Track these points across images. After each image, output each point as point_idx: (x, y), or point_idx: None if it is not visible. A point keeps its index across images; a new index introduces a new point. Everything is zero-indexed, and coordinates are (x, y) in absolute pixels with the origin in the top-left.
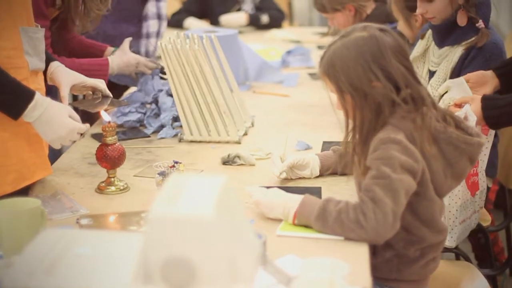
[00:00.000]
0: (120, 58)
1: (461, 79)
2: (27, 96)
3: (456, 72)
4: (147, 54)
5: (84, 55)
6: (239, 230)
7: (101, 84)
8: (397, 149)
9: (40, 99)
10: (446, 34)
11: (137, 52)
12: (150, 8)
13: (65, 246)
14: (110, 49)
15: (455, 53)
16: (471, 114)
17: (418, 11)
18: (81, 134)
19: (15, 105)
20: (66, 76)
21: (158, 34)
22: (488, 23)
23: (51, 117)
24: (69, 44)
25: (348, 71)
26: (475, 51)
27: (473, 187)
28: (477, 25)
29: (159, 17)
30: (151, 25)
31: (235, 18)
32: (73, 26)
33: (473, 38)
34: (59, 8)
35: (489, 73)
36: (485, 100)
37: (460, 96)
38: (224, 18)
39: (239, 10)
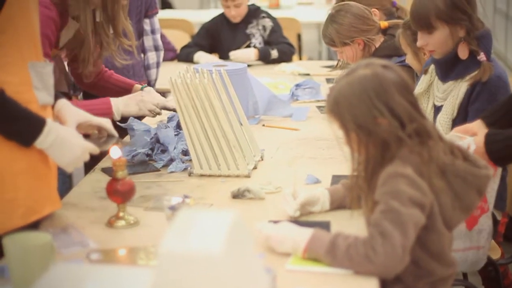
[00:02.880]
0: (125, 99)
1: (454, 135)
2: (39, 123)
3: (463, 108)
4: (149, 84)
5: (114, 91)
6: (249, 266)
7: (106, 123)
8: (405, 183)
9: (52, 124)
10: (449, 68)
11: None
12: (146, 41)
13: (75, 282)
14: (137, 86)
15: (460, 88)
16: (472, 144)
17: (419, 43)
18: (93, 168)
19: (28, 132)
20: (71, 114)
21: (158, 65)
22: (490, 55)
23: (64, 140)
24: (95, 81)
25: (352, 109)
26: (480, 86)
27: (470, 220)
28: (478, 58)
29: (156, 48)
30: (150, 57)
31: (245, 54)
32: (85, 64)
33: (476, 72)
34: (61, 48)
35: (476, 124)
36: (488, 135)
37: None
38: (233, 54)
39: (248, 45)
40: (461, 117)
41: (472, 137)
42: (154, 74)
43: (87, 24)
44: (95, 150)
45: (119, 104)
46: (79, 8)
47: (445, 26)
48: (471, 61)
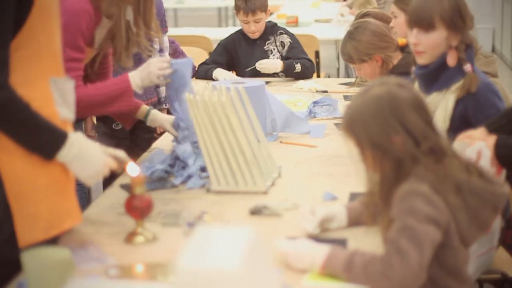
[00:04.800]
0: (138, 71)
1: (462, 143)
2: (61, 136)
3: (456, 119)
4: (159, 101)
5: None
6: (266, 282)
7: (120, 153)
8: (421, 201)
9: (74, 138)
10: (433, 78)
11: None
12: None
13: None
14: (144, 107)
15: (447, 100)
16: (485, 150)
17: (411, 40)
18: (111, 184)
19: (51, 145)
20: None
21: None
22: (474, 66)
23: (86, 154)
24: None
25: (367, 128)
26: (472, 98)
27: None
28: (464, 67)
29: None
30: None
31: (272, 63)
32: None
33: (460, 81)
34: (97, 48)
35: (479, 131)
36: (499, 139)
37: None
38: (261, 62)
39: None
40: (454, 127)
41: (483, 142)
42: (163, 92)
43: (121, 21)
44: (115, 165)
45: (137, 79)
46: (113, 5)
47: (445, 29)
48: (456, 71)
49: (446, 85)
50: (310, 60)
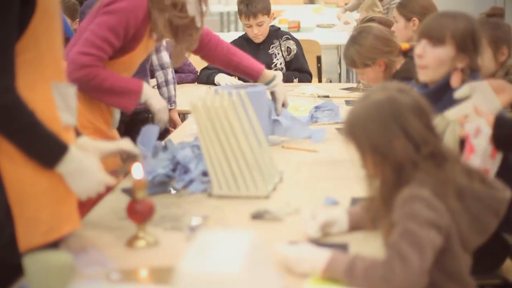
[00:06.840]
0: (155, 92)
1: (485, 83)
2: (62, 148)
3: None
4: None
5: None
6: (267, 286)
7: (125, 145)
8: (422, 205)
9: (75, 152)
10: (436, 98)
11: None
12: (153, 61)
13: None
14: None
15: (455, 123)
16: (484, 126)
17: (417, 50)
18: (113, 188)
19: (49, 157)
20: (92, 149)
21: (167, 83)
22: None
23: (83, 171)
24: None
25: (367, 133)
26: None
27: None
28: None
29: (162, 67)
30: (158, 76)
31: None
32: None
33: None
34: (156, 39)
35: (509, 84)
36: (498, 118)
37: (484, 102)
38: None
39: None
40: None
41: (482, 119)
42: (165, 93)
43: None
44: (112, 182)
45: (148, 93)
46: None
47: (454, 47)
48: None
49: (450, 107)
50: (310, 74)
